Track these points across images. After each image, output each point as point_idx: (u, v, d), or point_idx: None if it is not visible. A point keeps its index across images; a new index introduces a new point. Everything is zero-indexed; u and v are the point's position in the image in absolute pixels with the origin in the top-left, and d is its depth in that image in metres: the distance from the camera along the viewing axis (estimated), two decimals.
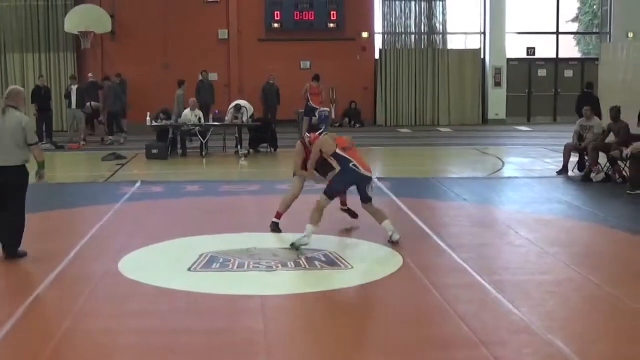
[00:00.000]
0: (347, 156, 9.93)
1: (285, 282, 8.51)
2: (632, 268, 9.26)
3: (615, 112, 15.61)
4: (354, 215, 11.12)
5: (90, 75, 25.93)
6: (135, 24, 28.25)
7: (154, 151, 19.67)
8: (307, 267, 9.02)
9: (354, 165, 9.87)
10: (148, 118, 20.57)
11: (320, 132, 10.47)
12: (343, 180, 9.99)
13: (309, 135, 10.58)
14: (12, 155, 9.21)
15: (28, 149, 9.30)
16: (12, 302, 7.74)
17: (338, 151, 9.96)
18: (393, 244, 9.88)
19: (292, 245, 9.67)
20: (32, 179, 9.54)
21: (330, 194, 9.93)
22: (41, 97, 23.01)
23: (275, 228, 10.65)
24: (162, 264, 9.28)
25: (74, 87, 23.74)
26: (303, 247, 9.61)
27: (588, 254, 9.91)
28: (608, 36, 30.70)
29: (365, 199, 10.04)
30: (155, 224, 11.57)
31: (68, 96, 23.79)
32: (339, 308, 7.80)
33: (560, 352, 6.36)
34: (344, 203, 11.13)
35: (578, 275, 8.72)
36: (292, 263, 9.14)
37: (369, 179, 10.04)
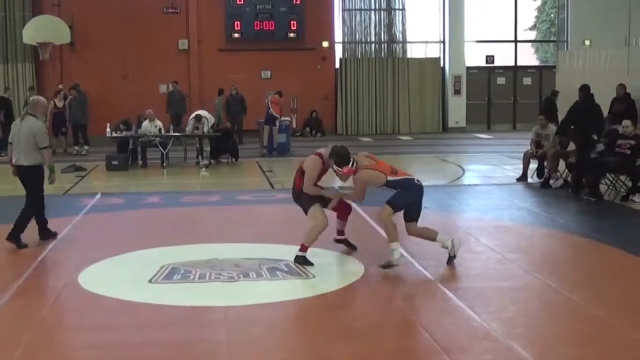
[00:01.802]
0: (404, 176, 9.30)
1: (247, 293, 8.49)
2: (590, 273, 9.39)
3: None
4: (351, 246, 10.13)
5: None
6: (94, 35, 28.08)
7: (114, 162, 19.56)
8: (269, 277, 9.01)
9: (418, 180, 9.32)
10: (108, 129, 20.46)
11: (351, 164, 9.16)
12: (410, 196, 9.24)
13: (339, 168, 9.18)
14: (25, 156, 10.56)
15: (40, 152, 10.54)
16: None
17: (390, 178, 9.14)
18: (450, 259, 9.37)
19: (385, 266, 9.11)
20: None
21: (395, 204, 9.14)
22: (6, 108, 22.90)
23: (305, 261, 9.40)
24: (123, 276, 9.22)
25: None
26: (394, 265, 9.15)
27: (547, 259, 10.02)
28: (565, 44, 31.07)
29: (416, 217, 9.41)
30: (116, 236, 11.50)
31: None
32: (301, 318, 7.81)
33: (521, 358, 6.43)
34: (340, 232, 10.08)
35: (537, 281, 8.81)
36: (253, 273, 9.13)
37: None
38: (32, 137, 10.46)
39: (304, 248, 9.39)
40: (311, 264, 9.27)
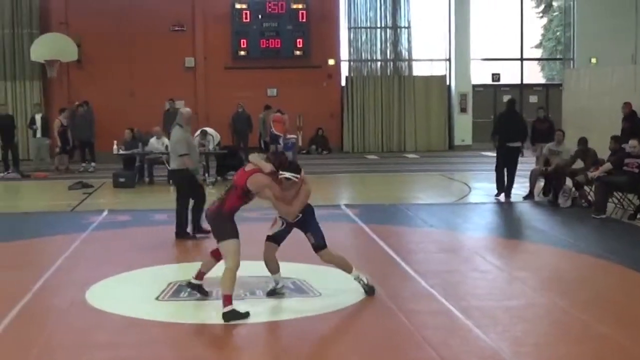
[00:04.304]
0: None
1: (254, 310, 8.46)
2: (599, 292, 9.33)
3: (584, 142, 15.81)
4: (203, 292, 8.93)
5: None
6: (101, 52, 28.21)
7: (121, 179, 19.56)
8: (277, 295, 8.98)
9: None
10: (115, 146, 20.50)
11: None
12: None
13: (296, 175, 8.42)
14: (172, 161, 12.46)
15: (182, 158, 12.16)
16: None
17: None
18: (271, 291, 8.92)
19: (369, 293, 8.84)
20: None
21: (323, 243, 8.87)
22: (3, 125, 22.65)
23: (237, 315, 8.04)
24: (130, 294, 9.21)
25: (38, 116, 23.68)
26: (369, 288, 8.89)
27: (555, 278, 9.98)
28: (571, 62, 31.09)
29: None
30: (123, 253, 11.49)
31: (32, 124, 23.67)
32: (308, 336, 7.78)
33: None
34: (201, 275, 8.94)
35: (546, 300, 8.77)
36: (260, 291, 9.11)
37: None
38: (174, 144, 12.16)
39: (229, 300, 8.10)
40: (245, 316, 8.03)
